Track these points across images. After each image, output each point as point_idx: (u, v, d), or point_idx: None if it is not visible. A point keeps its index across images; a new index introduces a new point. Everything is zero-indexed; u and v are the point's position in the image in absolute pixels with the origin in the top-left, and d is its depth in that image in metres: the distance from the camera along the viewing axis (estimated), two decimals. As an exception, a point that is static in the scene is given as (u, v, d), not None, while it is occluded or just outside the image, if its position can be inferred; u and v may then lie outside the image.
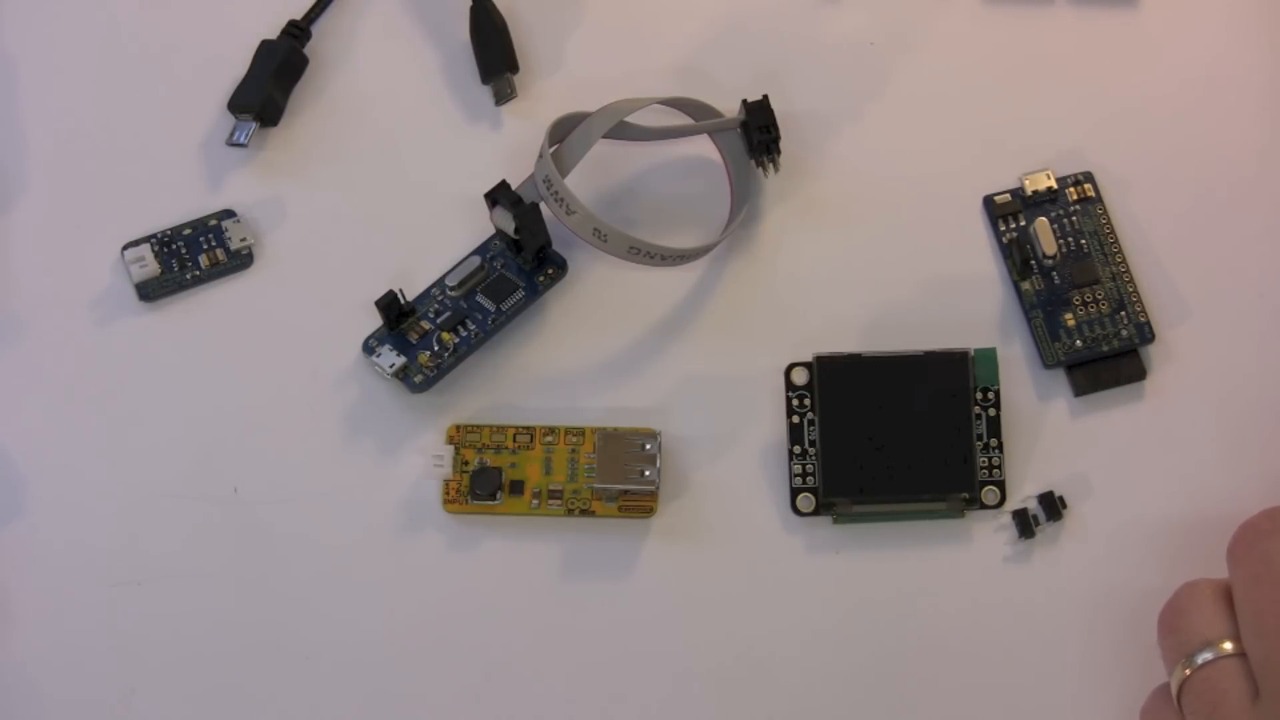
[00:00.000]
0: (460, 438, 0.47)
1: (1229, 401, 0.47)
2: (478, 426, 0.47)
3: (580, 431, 0.47)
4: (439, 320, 0.48)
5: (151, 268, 0.49)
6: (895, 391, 0.46)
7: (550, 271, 0.48)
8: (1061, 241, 0.49)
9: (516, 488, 0.47)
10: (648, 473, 0.45)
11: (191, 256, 0.49)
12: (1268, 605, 0.37)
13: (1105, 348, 0.48)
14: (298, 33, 0.52)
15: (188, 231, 0.50)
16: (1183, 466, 0.47)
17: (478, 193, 0.47)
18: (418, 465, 0.47)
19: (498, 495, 0.46)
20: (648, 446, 0.46)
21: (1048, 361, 0.48)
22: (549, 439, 0.47)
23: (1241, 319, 0.48)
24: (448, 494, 0.47)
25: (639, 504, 0.46)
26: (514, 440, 0.47)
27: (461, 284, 0.48)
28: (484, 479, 0.46)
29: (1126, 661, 0.45)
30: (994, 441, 0.46)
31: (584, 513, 0.46)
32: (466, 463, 0.47)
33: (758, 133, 0.48)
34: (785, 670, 0.45)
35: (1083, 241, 0.49)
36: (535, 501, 0.46)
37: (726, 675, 0.45)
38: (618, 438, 0.46)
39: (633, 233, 0.46)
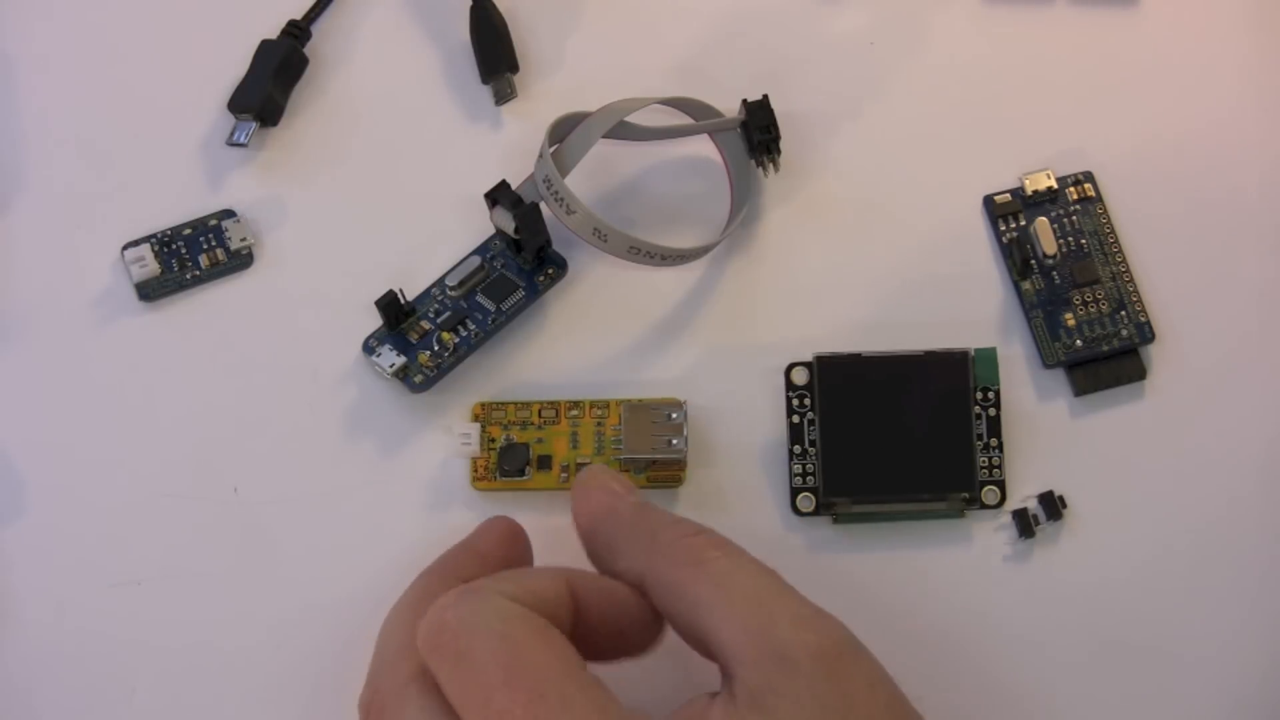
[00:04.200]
0: (485, 415, 0.47)
1: (1229, 401, 0.47)
2: (502, 404, 0.47)
3: (605, 405, 0.47)
4: (439, 320, 0.48)
5: (151, 268, 0.49)
6: (895, 391, 0.46)
7: (550, 271, 0.48)
8: (1061, 241, 0.49)
9: (544, 463, 0.46)
10: (675, 441, 0.45)
11: (191, 256, 0.49)
12: (474, 694, 0.36)
13: (1105, 347, 0.48)
14: (298, 33, 0.52)
15: (188, 231, 0.50)
16: (1183, 466, 0.47)
17: (478, 193, 0.47)
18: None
19: (526, 470, 0.46)
20: (674, 416, 0.45)
21: (1048, 361, 0.48)
22: (574, 413, 0.47)
23: (1241, 319, 0.48)
24: (476, 472, 0.46)
25: (668, 474, 0.46)
26: (539, 416, 0.47)
27: (461, 284, 0.48)
28: (512, 455, 0.46)
29: (1126, 661, 0.45)
30: (994, 441, 0.46)
31: None
32: (493, 440, 0.47)
33: (758, 133, 0.48)
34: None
35: (1083, 241, 0.49)
36: (564, 475, 0.46)
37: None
38: (643, 409, 0.46)
39: (633, 233, 0.46)
